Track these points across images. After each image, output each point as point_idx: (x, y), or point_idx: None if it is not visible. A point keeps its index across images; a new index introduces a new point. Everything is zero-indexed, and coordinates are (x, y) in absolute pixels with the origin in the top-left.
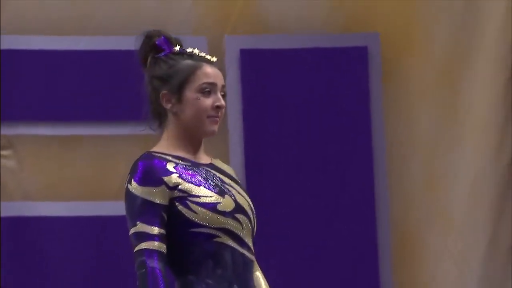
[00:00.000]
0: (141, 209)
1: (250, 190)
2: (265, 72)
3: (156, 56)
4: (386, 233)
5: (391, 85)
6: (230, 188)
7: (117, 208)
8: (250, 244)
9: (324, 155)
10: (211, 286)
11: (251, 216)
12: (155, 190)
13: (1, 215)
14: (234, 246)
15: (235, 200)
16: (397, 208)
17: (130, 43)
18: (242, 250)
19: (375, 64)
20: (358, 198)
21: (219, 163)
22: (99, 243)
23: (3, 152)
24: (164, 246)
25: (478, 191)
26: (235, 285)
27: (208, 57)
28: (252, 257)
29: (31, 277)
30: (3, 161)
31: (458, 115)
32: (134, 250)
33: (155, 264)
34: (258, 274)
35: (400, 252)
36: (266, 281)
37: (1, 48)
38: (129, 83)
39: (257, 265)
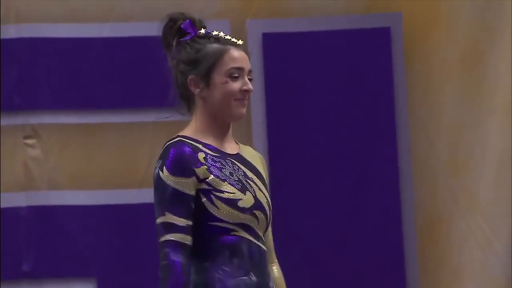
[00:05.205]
0: (171, 199)
1: (273, 175)
2: (288, 56)
3: (181, 39)
4: (411, 217)
5: (414, 66)
6: (252, 184)
7: (142, 196)
8: (263, 237)
9: (347, 139)
10: (227, 273)
11: (267, 212)
12: (186, 180)
13: (27, 204)
14: (250, 239)
15: (255, 197)
16: (422, 191)
17: (153, 29)
18: (257, 242)
19: (398, 45)
20: (382, 181)
21: (247, 152)
22: (124, 232)
23: (28, 141)
24: (190, 238)
25: (503, 172)
26: (251, 273)
27: (234, 40)
28: (265, 248)
29: (57, 266)
30: (28, 150)
31: (483, 95)
32: (160, 240)
33: (177, 257)
34: (274, 268)
35: (426, 235)
36: (281, 274)
37: (25, 36)
38: (153, 70)
39: (274, 257)
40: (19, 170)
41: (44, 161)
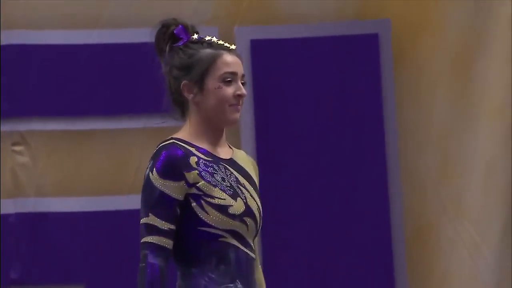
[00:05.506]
0: (157, 201)
1: (261, 180)
2: (276, 62)
3: (174, 45)
4: (399, 222)
5: (403, 72)
6: (244, 190)
7: (131, 202)
8: (252, 244)
9: (336, 145)
10: (213, 280)
11: (257, 219)
12: (174, 184)
13: (15, 211)
14: (238, 246)
15: (245, 203)
16: (410, 196)
17: (142, 35)
18: (245, 250)
19: (387, 51)
20: (371, 187)
21: (240, 157)
22: (113, 238)
23: (16, 148)
24: (171, 243)
25: (492, 178)
26: (237, 280)
27: (227, 44)
28: (253, 255)
29: (45, 273)
30: (16, 157)
31: (471, 102)
32: (141, 241)
33: (156, 260)
34: (258, 275)
35: (414, 241)
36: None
37: (13, 43)
38: (141, 76)
39: (258, 263)
40: (7, 177)
41: (33, 168)
